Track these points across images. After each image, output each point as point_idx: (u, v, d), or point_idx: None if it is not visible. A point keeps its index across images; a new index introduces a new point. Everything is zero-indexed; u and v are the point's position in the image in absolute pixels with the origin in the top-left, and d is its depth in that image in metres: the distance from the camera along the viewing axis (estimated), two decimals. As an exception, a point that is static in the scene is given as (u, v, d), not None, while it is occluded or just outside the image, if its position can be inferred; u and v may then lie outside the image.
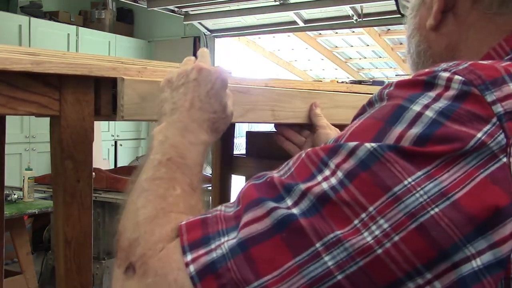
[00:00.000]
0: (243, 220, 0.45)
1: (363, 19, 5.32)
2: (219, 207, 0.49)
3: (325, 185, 0.43)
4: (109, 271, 3.37)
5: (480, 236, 0.41)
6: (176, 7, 5.61)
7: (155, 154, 0.60)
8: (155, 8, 5.59)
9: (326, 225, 0.42)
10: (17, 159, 5.01)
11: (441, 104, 0.44)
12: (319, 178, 0.44)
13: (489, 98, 0.44)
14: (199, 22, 6.06)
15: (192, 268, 0.44)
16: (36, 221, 4.62)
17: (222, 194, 1.77)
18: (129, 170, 4.24)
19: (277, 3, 5.22)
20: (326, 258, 0.41)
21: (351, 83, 1.54)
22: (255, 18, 5.86)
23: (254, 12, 5.56)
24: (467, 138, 0.42)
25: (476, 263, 0.41)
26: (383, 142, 0.43)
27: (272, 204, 0.44)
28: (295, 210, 0.43)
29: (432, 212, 0.41)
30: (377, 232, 0.41)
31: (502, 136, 0.42)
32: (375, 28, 7.24)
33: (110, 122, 5.48)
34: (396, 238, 0.41)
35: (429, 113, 0.44)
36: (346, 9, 5.22)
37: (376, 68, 9.75)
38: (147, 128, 6.49)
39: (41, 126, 4.96)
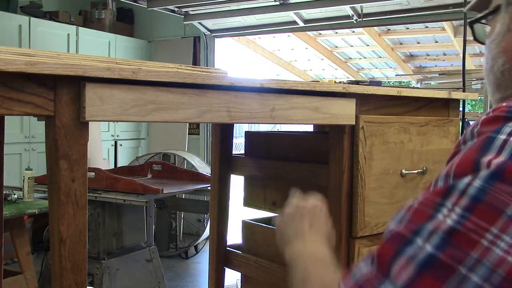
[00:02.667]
0: (393, 272, 0.53)
1: (363, 19, 5.31)
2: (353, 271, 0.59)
3: (449, 221, 0.52)
4: (109, 271, 3.38)
5: None
6: (176, 7, 5.62)
7: (302, 265, 0.81)
8: (155, 8, 5.59)
9: (460, 252, 0.50)
10: (17, 159, 5.02)
11: None
12: (440, 217, 0.53)
13: None
14: (199, 22, 6.06)
15: None
16: (36, 221, 4.62)
17: (222, 193, 1.78)
18: (129, 170, 4.25)
19: (277, 3, 5.23)
20: (473, 277, 0.49)
21: (348, 83, 1.54)
22: (255, 18, 5.86)
23: (254, 12, 5.56)
24: None
25: None
26: (482, 172, 0.53)
27: (406, 248, 0.53)
28: (428, 248, 0.52)
29: None
30: (504, 246, 0.50)
31: None
32: (375, 28, 7.24)
33: (110, 122, 5.49)
34: None
35: None
36: (346, 9, 5.22)
37: (376, 68, 9.75)
38: (147, 128, 6.50)
39: (41, 126, 4.90)
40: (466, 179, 0.53)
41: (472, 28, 0.86)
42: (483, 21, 0.81)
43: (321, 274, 0.75)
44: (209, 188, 2.08)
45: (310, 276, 0.75)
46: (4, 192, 2.10)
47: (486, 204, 0.51)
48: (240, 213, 1.98)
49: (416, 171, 1.49)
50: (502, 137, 0.55)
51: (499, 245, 0.50)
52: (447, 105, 1.65)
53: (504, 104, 0.59)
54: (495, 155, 0.54)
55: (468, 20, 0.87)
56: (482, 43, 0.82)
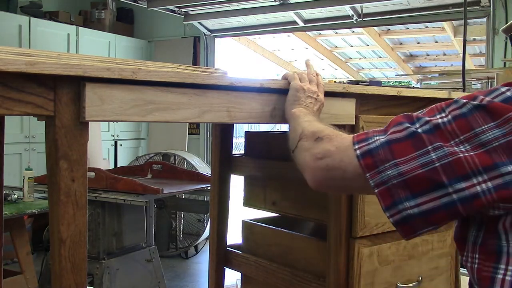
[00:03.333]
0: (390, 130, 0.82)
1: (363, 19, 5.31)
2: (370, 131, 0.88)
3: (440, 120, 0.80)
4: (109, 271, 3.38)
5: None
6: (176, 7, 5.62)
7: (305, 116, 1.10)
8: (155, 8, 5.59)
9: (435, 139, 0.78)
10: (17, 159, 5.02)
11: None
12: (438, 116, 0.80)
13: None
14: (199, 22, 6.06)
15: (358, 152, 0.83)
16: (36, 221, 4.62)
17: (222, 193, 1.78)
18: (129, 170, 4.25)
19: (277, 3, 5.23)
20: (432, 154, 0.77)
21: (348, 83, 1.54)
22: (255, 18, 5.86)
23: (254, 12, 5.56)
24: None
25: None
26: (475, 101, 0.79)
27: (407, 125, 0.81)
28: (419, 130, 0.80)
29: (495, 144, 0.75)
30: (462, 148, 0.76)
31: None
32: (375, 28, 7.24)
33: (110, 122, 5.48)
34: (472, 153, 0.75)
35: (509, 93, 0.79)
36: (346, 9, 5.22)
37: (376, 68, 9.75)
38: (147, 128, 6.50)
39: (41, 126, 4.89)
40: (465, 101, 0.79)
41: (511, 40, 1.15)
42: None
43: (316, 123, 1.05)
44: (209, 188, 2.08)
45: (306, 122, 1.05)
46: (4, 192, 2.10)
47: (466, 120, 0.77)
48: (240, 213, 1.98)
49: (416, 171, 1.49)
50: (503, 89, 0.79)
51: (459, 146, 0.77)
52: (447, 105, 1.64)
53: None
54: (491, 97, 0.78)
55: (510, 34, 1.11)
56: None
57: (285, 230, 1.64)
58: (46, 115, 0.78)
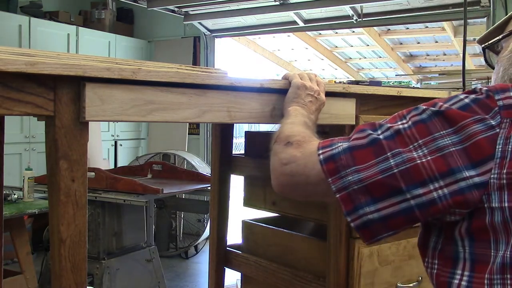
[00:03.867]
0: (353, 137, 0.84)
1: (363, 19, 5.31)
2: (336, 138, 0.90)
3: (401, 126, 0.82)
4: (109, 271, 3.38)
5: (472, 168, 0.77)
6: (176, 7, 5.62)
7: (294, 117, 1.10)
8: (155, 8, 5.59)
9: (395, 145, 0.80)
10: (17, 159, 5.02)
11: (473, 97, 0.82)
12: (399, 122, 0.83)
13: (497, 97, 0.80)
14: (199, 22, 6.06)
15: (321, 157, 0.84)
16: (36, 221, 4.62)
17: (222, 193, 1.78)
18: (129, 170, 4.25)
19: (277, 3, 5.22)
20: (391, 160, 0.79)
21: (348, 83, 1.54)
22: (255, 18, 5.86)
23: (254, 12, 5.56)
24: (483, 113, 0.79)
25: (468, 182, 0.76)
26: (434, 108, 0.81)
27: (370, 132, 0.83)
28: (381, 136, 0.82)
29: (451, 149, 0.77)
30: (420, 153, 0.78)
31: (498, 117, 0.79)
32: (375, 28, 7.24)
33: (110, 122, 5.48)
34: (429, 158, 0.78)
35: (466, 100, 0.81)
36: (346, 9, 5.22)
37: (376, 68, 9.75)
38: (147, 128, 6.50)
39: (41, 126, 4.88)
40: (425, 107, 0.82)
41: (484, 52, 1.11)
42: (498, 44, 1.03)
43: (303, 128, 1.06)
44: (209, 188, 2.08)
45: (296, 125, 1.06)
46: (4, 192, 2.10)
47: (425, 125, 0.80)
48: (240, 213, 1.98)
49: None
50: (462, 97, 0.82)
51: (417, 151, 0.79)
52: (447, 105, 1.64)
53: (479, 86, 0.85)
54: (449, 104, 0.81)
55: (483, 45, 1.10)
56: (492, 66, 1.07)
57: (285, 230, 1.64)
58: (46, 115, 0.78)
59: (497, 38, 1.03)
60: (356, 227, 0.81)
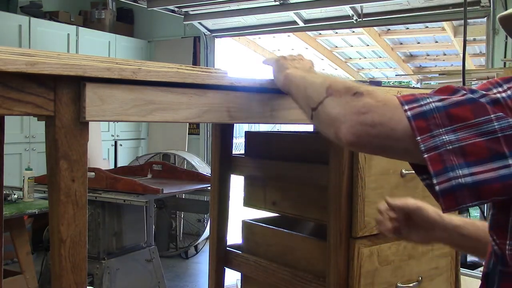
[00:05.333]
0: (446, 96, 0.76)
1: (363, 19, 5.31)
2: None
3: (498, 95, 0.74)
4: (109, 271, 3.38)
5: None
6: (176, 7, 5.62)
7: (311, 73, 1.01)
8: (155, 8, 5.59)
9: (497, 109, 0.72)
10: (17, 159, 5.02)
11: None
12: (494, 90, 0.75)
13: None
14: (199, 22, 6.06)
15: (409, 113, 0.76)
16: (36, 221, 4.62)
17: (222, 193, 1.78)
18: (129, 170, 4.25)
19: (277, 3, 5.22)
20: (495, 123, 0.72)
21: (348, 83, 1.54)
22: (255, 18, 5.86)
23: (254, 12, 5.56)
24: None
25: None
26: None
27: (465, 92, 0.75)
28: (481, 99, 0.74)
29: None
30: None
31: None
32: (375, 28, 7.24)
33: (110, 122, 5.49)
34: None
35: None
36: (346, 9, 5.22)
37: (376, 68, 9.75)
38: (147, 128, 6.50)
39: (41, 126, 4.88)
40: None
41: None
42: None
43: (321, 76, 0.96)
44: (209, 188, 2.08)
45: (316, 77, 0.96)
46: (4, 192, 2.10)
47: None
48: (240, 213, 1.98)
49: (416, 171, 1.49)
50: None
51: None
52: (447, 105, 1.64)
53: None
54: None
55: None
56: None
57: (285, 230, 1.64)
58: (46, 115, 0.78)
59: None
60: (441, 191, 0.73)
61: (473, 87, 0.79)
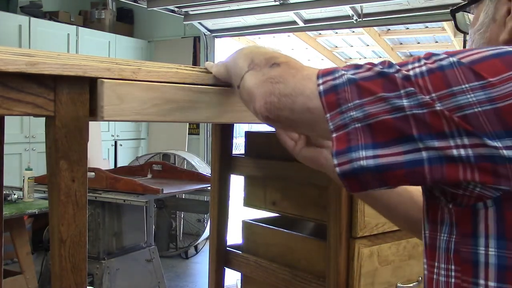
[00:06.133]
0: (358, 70, 0.68)
1: (363, 19, 5.32)
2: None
3: (411, 72, 0.65)
4: (109, 271, 3.38)
5: (508, 137, 0.61)
6: (176, 7, 5.62)
7: (240, 53, 0.88)
8: (155, 8, 5.59)
9: (410, 85, 0.64)
10: (17, 159, 5.02)
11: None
12: (410, 66, 0.66)
13: None
14: (199, 22, 6.06)
15: (321, 87, 0.69)
16: (36, 221, 4.63)
17: (222, 193, 1.78)
18: (129, 170, 4.25)
19: (277, 3, 5.22)
20: (404, 100, 0.63)
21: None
22: (255, 18, 5.86)
23: (254, 12, 5.56)
24: None
25: (503, 153, 0.61)
26: (459, 59, 0.64)
27: (380, 66, 0.68)
28: (395, 74, 0.66)
29: (475, 109, 0.61)
30: (439, 105, 0.62)
31: None
32: (375, 28, 7.24)
33: (110, 122, 5.49)
34: (453, 115, 0.62)
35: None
36: (346, 9, 5.22)
37: (376, 68, 9.75)
38: (147, 128, 6.50)
39: (41, 126, 4.90)
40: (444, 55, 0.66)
41: (454, 17, 0.97)
42: (467, 10, 0.90)
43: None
44: (209, 188, 2.08)
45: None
46: (4, 192, 2.10)
47: (443, 74, 0.64)
48: (240, 213, 1.98)
49: (416, 171, 1.49)
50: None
51: (436, 102, 0.63)
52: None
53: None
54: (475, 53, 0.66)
55: (450, 9, 0.95)
56: (465, 32, 0.92)
57: (285, 230, 1.64)
58: (46, 115, 0.78)
59: (464, 2, 0.89)
60: (342, 173, 0.66)
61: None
